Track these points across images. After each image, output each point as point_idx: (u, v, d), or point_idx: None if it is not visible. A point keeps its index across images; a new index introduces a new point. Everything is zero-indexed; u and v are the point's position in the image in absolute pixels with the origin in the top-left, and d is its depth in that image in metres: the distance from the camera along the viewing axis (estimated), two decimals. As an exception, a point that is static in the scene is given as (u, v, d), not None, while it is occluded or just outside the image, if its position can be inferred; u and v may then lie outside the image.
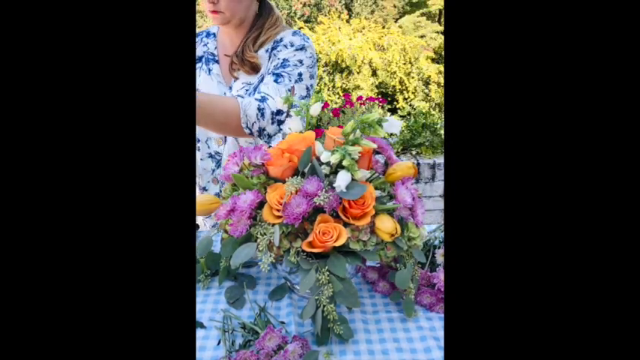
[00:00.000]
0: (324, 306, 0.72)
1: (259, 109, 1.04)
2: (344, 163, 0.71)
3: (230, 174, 0.79)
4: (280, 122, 1.07)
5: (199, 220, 1.44)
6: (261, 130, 1.06)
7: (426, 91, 4.47)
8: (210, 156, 1.28)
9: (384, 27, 5.22)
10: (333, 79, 4.37)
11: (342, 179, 0.71)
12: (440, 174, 2.85)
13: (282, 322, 0.80)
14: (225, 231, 0.78)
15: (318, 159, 0.78)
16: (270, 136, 1.08)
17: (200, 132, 1.27)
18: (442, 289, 0.85)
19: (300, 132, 0.84)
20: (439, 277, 0.84)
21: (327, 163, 0.77)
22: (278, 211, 0.72)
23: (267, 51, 1.19)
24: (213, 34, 1.29)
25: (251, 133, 1.05)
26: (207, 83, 1.24)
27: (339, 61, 4.30)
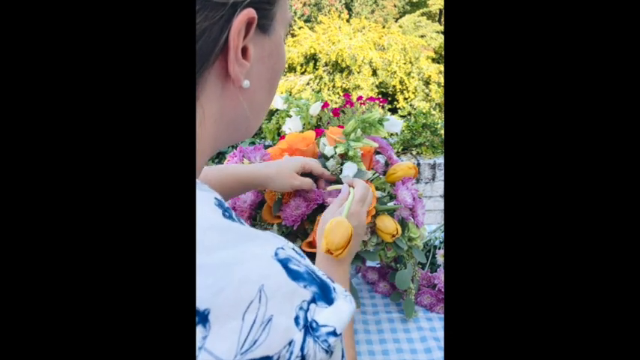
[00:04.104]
0: (324, 306, 0.72)
1: None
2: (349, 153, 0.72)
3: (230, 174, 0.79)
4: None
5: None
6: None
7: (427, 91, 4.47)
8: None
9: (384, 27, 5.22)
10: (333, 79, 4.37)
11: (348, 169, 0.72)
12: (440, 174, 2.85)
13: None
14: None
15: (323, 156, 0.78)
16: None
17: None
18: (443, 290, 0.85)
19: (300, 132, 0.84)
20: (440, 277, 0.84)
21: (333, 156, 0.77)
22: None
23: None
24: None
25: None
26: None
27: (339, 61, 4.29)
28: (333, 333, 0.30)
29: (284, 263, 0.30)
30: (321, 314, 0.31)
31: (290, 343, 0.28)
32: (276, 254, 0.30)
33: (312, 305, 0.30)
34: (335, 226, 0.54)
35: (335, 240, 0.53)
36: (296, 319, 0.29)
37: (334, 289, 0.33)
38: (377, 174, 0.82)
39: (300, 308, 0.29)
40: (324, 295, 0.32)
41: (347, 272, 0.62)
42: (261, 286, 0.28)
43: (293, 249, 0.33)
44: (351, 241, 0.54)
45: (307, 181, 0.72)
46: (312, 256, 0.73)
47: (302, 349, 0.29)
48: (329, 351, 0.30)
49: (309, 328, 0.29)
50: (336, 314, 0.31)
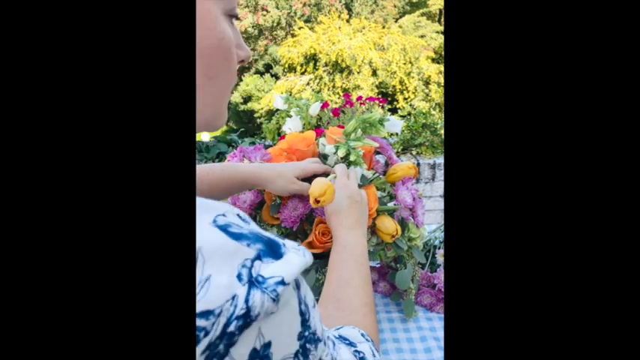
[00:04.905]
0: (324, 306, 0.72)
1: None
2: (351, 157, 0.71)
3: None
4: None
5: None
6: None
7: (426, 91, 4.47)
8: None
9: (384, 27, 5.22)
10: (333, 79, 4.37)
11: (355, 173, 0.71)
12: (440, 174, 2.85)
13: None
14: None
15: (323, 156, 0.78)
16: None
17: None
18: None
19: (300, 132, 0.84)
20: (440, 277, 0.84)
21: (333, 155, 0.77)
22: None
23: None
24: None
25: None
26: None
27: (339, 61, 4.29)
28: (282, 282, 0.31)
29: (223, 228, 0.30)
30: (267, 269, 0.31)
31: (233, 298, 0.29)
32: (214, 221, 0.30)
33: (257, 262, 0.31)
34: (315, 182, 0.66)
35: (316, 189, 0.64)
36: (239, 276, 0.29)
37: (284, 244, 0.33)
38: (377, 174, 0.82)
39: (243, 266, 0.30)
40: (272, 251, 0.32)
41: (360, 237, 0.65)
42: (199, 248, 0.28)
43: (237, 215, 0.32)
44: (330, 189, 0.64)
45: (306, 186, 0.72)
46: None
47: (246, 301, 0.29)
48: (276, 299, 0.31)
49: (255, 282, 0.30)
50: (284, 266, 0.32)
